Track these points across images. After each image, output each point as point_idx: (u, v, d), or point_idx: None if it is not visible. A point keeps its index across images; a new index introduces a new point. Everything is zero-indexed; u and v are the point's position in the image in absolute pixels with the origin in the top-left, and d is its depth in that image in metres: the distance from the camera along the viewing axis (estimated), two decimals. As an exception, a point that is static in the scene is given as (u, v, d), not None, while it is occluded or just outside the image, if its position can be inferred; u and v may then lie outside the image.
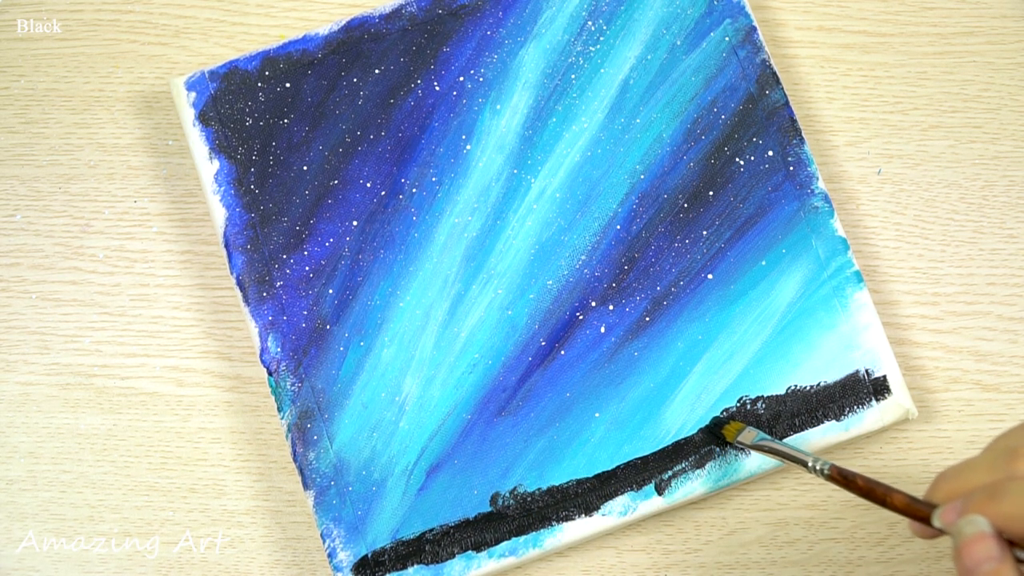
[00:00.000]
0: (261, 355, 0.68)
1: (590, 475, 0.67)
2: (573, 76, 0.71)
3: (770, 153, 0.70)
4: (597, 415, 0.68)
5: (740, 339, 0.68)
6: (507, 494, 0.67)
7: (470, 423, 0.68)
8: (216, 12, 0.75)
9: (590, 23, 0.71)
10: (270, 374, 0.68)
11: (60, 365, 0.71)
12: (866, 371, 0.68)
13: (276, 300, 0.68)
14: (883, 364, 0.68)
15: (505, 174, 0.70)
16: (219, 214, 0.70)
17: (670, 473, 0.67)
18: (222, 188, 0.70)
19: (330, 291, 0.69)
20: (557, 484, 0.67)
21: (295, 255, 0.69)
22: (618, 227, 0.69)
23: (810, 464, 0.61)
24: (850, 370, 0.68)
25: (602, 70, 0.71)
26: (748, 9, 0.71)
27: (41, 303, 0.71)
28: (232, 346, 0.71)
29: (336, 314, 0.68)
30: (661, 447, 0.67)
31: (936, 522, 0.53)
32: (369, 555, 0.66)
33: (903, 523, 0.68)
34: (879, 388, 0.68)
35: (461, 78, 0.71)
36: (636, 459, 0.67)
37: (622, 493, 0.67)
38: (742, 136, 0.70)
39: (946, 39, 0.74)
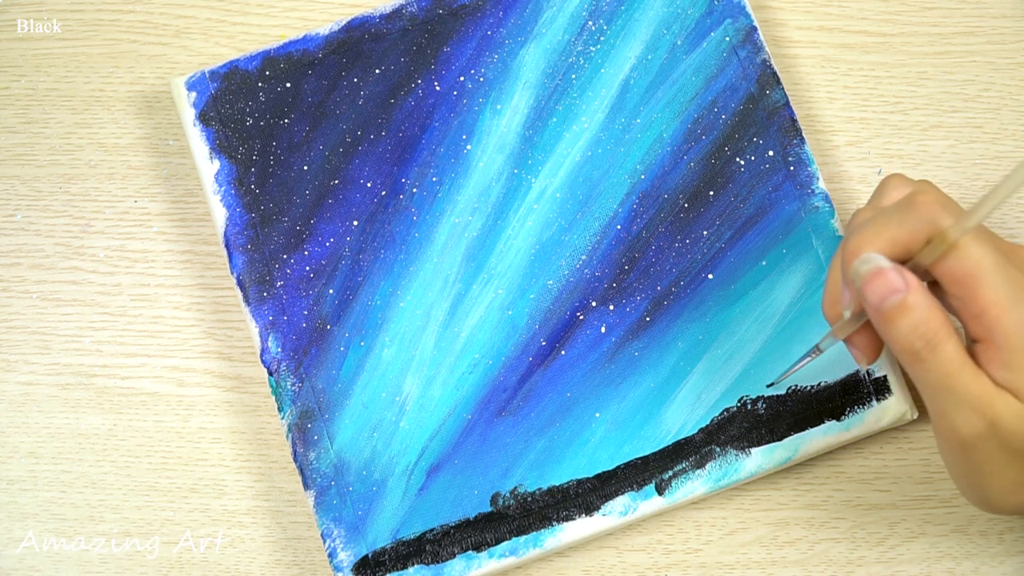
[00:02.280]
0: (261, 355, 0.68)
1: (590, 475, 0.67)
2: (573, 76, 0.71)
3: (771, 153, 0.70)
4: (597, 415, 0.67)
5: (740, 339, 0.68)
6: (507, 494, 0.67)
7: (470, 423, 0.68)
8: (216, 12, 0.75)
9: (591, 23, 0.71)
10: (270, 374, 0.68)
11: (60, 365, 0.71)
12: (866, 371, 0.68)
13: (276, 300, 0.68)
14: (883, 364, 0.68)
15: (505, 174, 0.70)
16: (219, 214, 0.69)
17: (670, 473, 0.67)
18: (222, 188, 0.70)
19: (330, 291, 0.69)
20: (557, 484, 0.67)
21: (295, 255, 0.69)
22: (618, 227, 0.69)
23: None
24: (850, 370, 0.68)
25: (602, 70, 0.71)
26: (748, 9, 0.71)
27: (41, 303, 0.71)
28: (232, 346, 0.71)
29: (336, 314, 0.68)
30: (661, 447, 0.67)
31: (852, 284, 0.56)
32: (369, 555, 0.66)
33: (903, 523, 0.68)
34: (879, 388, 0.67)
35: (462, 78, 0.71)
36: (636, 459, 0.67)
37: (622, 493, 0.67)
38: (742, 136, 0.70)
39: (946, 39, 0.74)
